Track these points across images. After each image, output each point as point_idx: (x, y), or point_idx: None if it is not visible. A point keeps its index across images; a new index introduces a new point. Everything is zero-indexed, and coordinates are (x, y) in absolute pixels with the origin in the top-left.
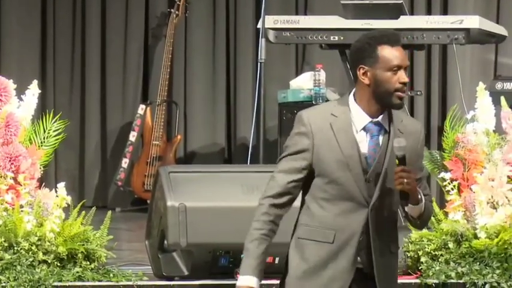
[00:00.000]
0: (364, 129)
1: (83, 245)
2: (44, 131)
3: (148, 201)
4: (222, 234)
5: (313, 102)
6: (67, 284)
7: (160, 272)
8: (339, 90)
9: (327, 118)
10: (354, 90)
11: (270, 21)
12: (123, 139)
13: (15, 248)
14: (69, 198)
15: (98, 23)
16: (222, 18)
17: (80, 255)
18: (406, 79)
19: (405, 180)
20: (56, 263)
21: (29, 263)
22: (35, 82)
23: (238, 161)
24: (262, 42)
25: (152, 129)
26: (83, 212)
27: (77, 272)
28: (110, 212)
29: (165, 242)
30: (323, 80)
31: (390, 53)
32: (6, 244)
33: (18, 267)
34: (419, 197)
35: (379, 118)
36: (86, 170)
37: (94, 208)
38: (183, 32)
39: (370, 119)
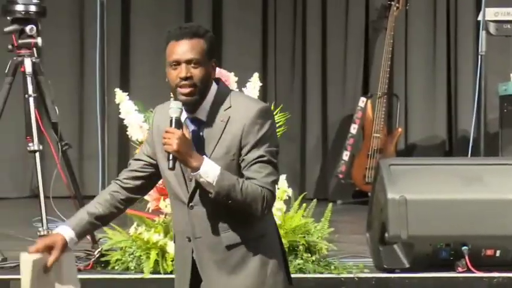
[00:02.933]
0: (187, 126)
1: (304, 237)
2: None
3: (369, 194)
4: (442, 226)
5: None
6: None
7: (381, 264)
8: None
9: (165, 114)
10: None
11: (491, 13)
12: (344, 132)
13: None
14: (290, 191)
15: (318, 17)
16: (442, 11)
17: (301, 247)
18: (182, 74)
19: (165, 141)
20: None
21: None
22: (256, 75)
23: (459, 153)
24: (482, 34)
25: (373, 122)
26: (304, 204)
27: (298, 264)
28: (330, 205)
29: (386, 234)
30: None
31: (170, 49)
32: None
33: None
34: (194, 164)
35: (197, 112)
36: (307, 163)
37: (315, 200)
38: (404, 24)
39: (187, 115)
